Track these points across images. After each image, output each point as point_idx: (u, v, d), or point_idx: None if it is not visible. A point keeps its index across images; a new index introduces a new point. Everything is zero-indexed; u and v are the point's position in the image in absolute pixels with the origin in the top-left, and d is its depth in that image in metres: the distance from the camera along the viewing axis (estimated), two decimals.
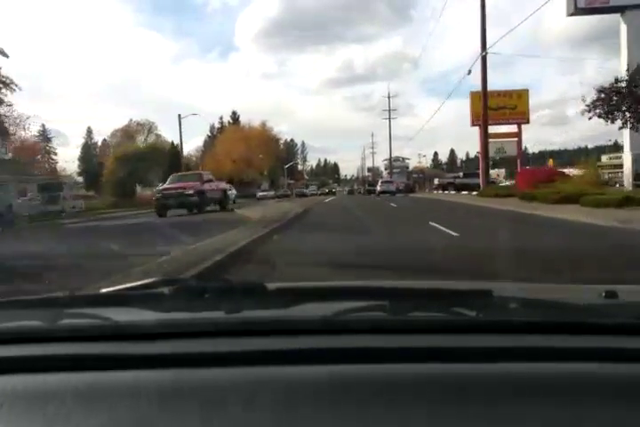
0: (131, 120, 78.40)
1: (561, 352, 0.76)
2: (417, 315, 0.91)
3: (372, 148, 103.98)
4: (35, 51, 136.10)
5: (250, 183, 59.68)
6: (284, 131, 68.31)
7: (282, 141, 65.39)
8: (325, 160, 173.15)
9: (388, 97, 70.98)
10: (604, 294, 1.01)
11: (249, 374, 0.72)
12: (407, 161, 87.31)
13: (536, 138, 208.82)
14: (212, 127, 73.31)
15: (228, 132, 66.37)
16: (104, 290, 1.14)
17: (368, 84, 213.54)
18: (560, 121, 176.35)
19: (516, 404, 0.64)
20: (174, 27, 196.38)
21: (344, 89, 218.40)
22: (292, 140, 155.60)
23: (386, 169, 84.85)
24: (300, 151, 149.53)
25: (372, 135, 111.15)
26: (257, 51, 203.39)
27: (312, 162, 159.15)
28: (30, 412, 0.67)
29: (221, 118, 76.17)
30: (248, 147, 58.49)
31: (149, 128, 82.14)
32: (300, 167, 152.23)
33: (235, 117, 73.88)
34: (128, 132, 76.40)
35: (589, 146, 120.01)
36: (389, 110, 70.55)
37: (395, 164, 76.23)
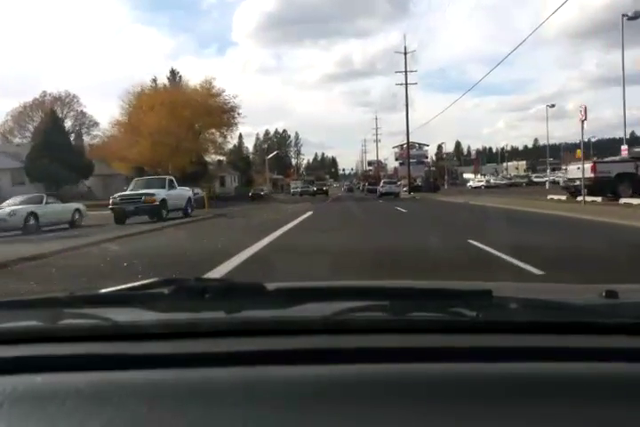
0: (44, 93, 56.09)
1: (561, 352, 0.76)
2: (417, 315, 0.91)
3: (376, 132, 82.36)
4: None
5: (191, 177, 36.96)
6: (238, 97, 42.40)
7: (240, 111, 41.88)
8: (323, 154, 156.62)
9: (404, 53, 48.74)
10: (604, 294, 1.01)
11: (249, 374, 0.72)
12: (426, 148, 65.22)
13: (535, 133, 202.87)
14: (140, 93, 42.05)
15: (147, 97, 39.96)
16: (104, 290, 1.13)
17: (367, 79, 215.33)
18: (560, 115, 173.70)
19: (516, 404, 0.64)
20: (171, 22, 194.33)
21: (342, 84, 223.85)
22: (284, 131, 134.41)
23: (397, 159, 63.01)
24: (293, 144, 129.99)
25: (376, 119, 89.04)
26: (255, 46, 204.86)
27: (309, 156, 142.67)
28: (30, 412, 0.66)
29: (154, 81, 45.22)
30: (179, 119, 35.83)
31: (69, 102, 58.90)
32: (294, 161, 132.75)
33: (174, 79, 46.45)
34: (41, 107, 54.28)
35: (592, 140, 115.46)
36: (406, 72, 48.29)
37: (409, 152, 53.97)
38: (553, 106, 49.46)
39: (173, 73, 48.13)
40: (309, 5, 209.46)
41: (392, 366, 0.72)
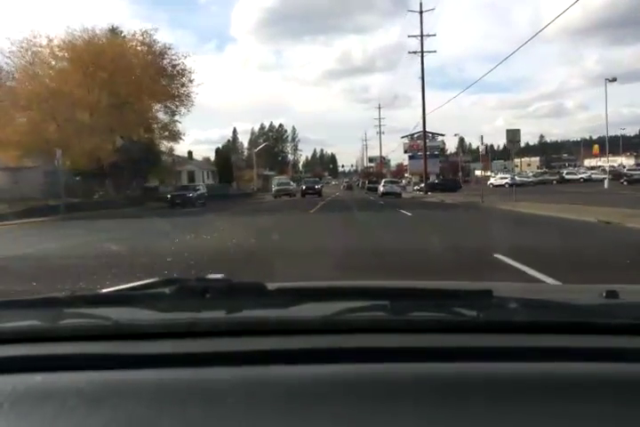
0: None
1: (561, 352, 0.76)
2: (417, 315, 0.91)
3: (379, 122, 71.43)
4: None
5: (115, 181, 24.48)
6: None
7: (189, 72, 29.65)
8: (322, 150, 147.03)
9: (420, 12, 37.80)
10: (604, 294, 1.01)
11: (249, 374, 0.72)
12: (440, 138, 54.34)
13: (535, 130, 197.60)
14: (28, 42, 26.23)
15: (40, 48, 26.35)
16: (104, 290, 1.13)
17: (366, 76, 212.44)
18: (558, 113, 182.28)
19: (516, 404, 0.64)
20: (170, 18, 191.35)
21: (343, 80, 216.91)
22: (280, 125, 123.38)
23: (406, 152, 52.10)
24: (290, 139, 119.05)
25: (379, 107, 78.04)
26: (254, 42, 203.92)
27: (308, 153, 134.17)
28: (31, 412, 0.66)
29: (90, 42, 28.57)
30: (90, 83, 24.31)
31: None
32: (290, 157, 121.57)
33: (113, 33, 31.66)
34: None
35: (593, 137, 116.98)
36: (422, 36, 37.37)
37: (420, 143, 43.21)
38: (615, 80, 38.57)
39: (114, 30, 32.65)
40: (308, 1, 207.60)
41: (392, 366, 0.72)
